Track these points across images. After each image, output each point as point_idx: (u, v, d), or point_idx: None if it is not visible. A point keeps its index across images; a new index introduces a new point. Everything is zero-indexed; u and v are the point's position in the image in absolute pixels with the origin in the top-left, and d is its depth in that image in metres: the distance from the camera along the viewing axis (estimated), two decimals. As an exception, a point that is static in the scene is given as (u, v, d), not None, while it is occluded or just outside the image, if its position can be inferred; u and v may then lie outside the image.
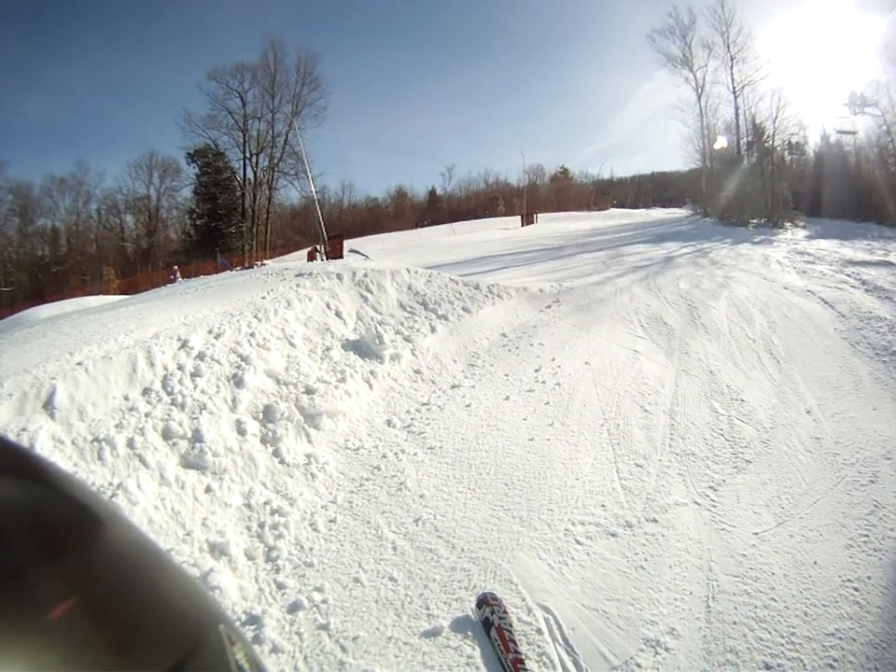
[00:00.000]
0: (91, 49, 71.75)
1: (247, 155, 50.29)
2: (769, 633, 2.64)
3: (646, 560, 3.06)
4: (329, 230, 32.21)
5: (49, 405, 4.32)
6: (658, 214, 37.22)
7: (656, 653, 2.48)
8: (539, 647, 2.60)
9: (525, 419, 4.84)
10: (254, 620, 3.05)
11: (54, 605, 0.30)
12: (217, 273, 16.28)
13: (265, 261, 29.19)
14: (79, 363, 4.90)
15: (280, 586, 3.26)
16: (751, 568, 3.08)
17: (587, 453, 4.23)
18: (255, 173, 50.43)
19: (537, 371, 5.83)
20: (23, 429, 4.04)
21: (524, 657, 2.50)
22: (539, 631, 2.68)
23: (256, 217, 49.76)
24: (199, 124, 49.05)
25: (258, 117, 49.94)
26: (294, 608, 3.09)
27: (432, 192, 77.48)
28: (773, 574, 3.04)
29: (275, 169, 50.55)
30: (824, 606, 2.85)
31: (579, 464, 4.09)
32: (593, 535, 3.32)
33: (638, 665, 2.43)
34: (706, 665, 2.40)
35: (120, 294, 18.76)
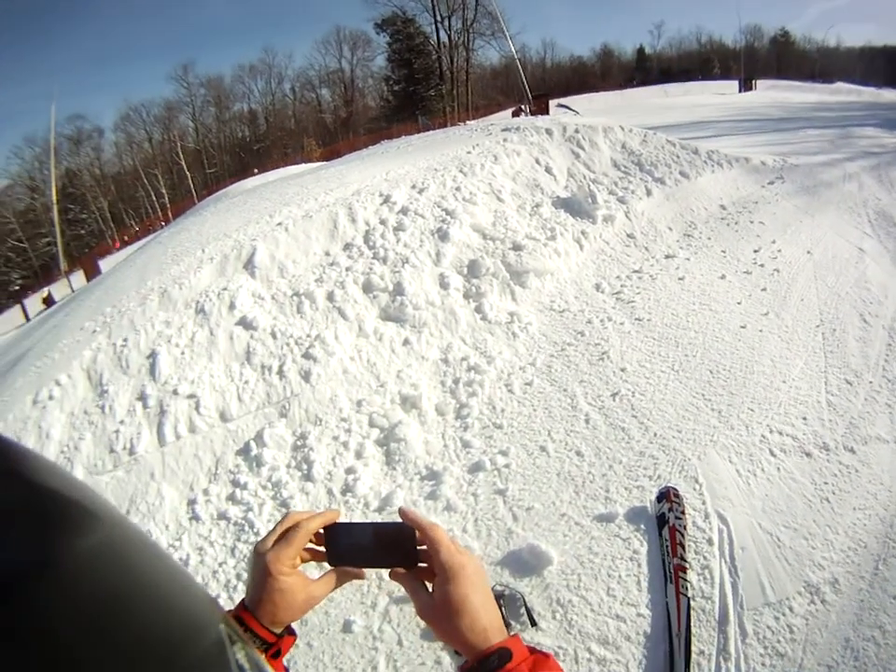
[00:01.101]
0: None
1: (438, 18, 49.76)
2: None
3: (833, 493, 2.77)
4: (533, 89, 31.61)
5: (249, 265, 4.58)
6: (892, 96, 31.47)
7: (812, 602, 2.30)
8: (704, 559, 2.50)
9: (738, 303, 4.49)
10: (433, 475, 3.19)
11: (52, 605, 0.29)
12: (418, 133, 16.34)
13: (467, 122, 28.97)
14: (279, 223, 5.12)
15: (465, 445, 3.36)
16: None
17: (798, 354, 3.85)
18: (448, 35, 49.90)
19: (755, 251, 5.34)
20: (224, 289, 4.34)
21: (687, 566, 2.43)
22: (710, 542, 2.57)
23: (454, 79, 49.64)
24: None
25: (444, -22, 48.65)
26: (475, 468, 3.18)
27: (640, 51, 73.12)
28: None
29: (470, 30, 49.68)
30: None
31: (788, 365, 3.74)
32: (788, 449, 3.05)
33: (790, 609, 2.27)
34: (851, 632, 2.17)
35: (323, 161, 19.52)
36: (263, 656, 0.72)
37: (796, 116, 15.64)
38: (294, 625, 0.80)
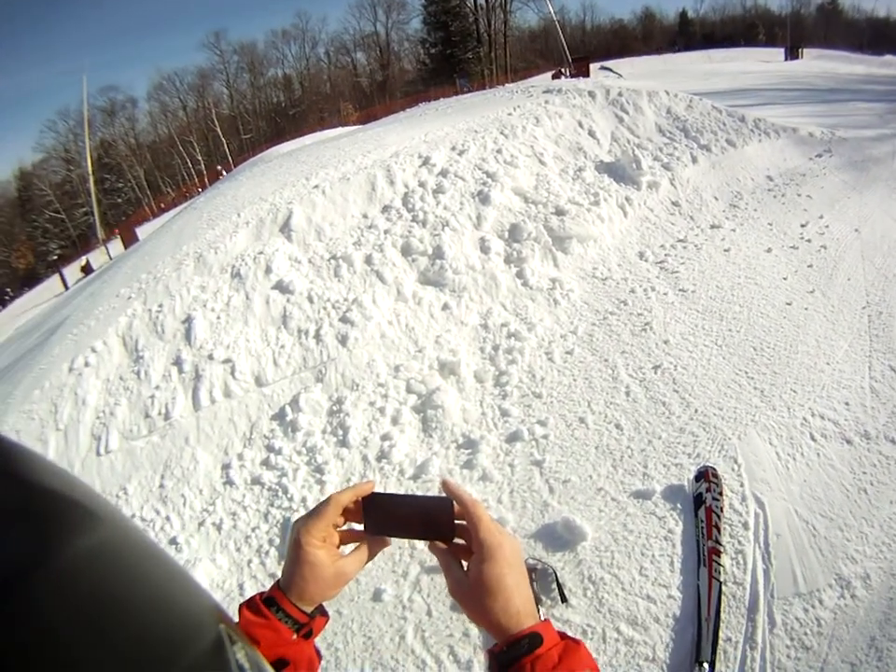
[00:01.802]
0: None
1: (474, -20, 48.65)
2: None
3: (871, 485, 2.66)
4: (573, 52, 31.12)
5: (285, 228, 4.57)
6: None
7: (842, 596, 2.22)
8: (738, 543, 2.45)
9: (784, 278, 4.35)
10: (470, 444, 3.17)
11: (52, 604, 0.29)
12: (456, 96, 16.21)
13: (506, 85, 28.69)
14: (316, 186, 5.09)
15: (504, 413, 3.33)
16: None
17: (843, 336, 3.70)
18: (486, -3, 48.83)
19: (802, 226, 5.15)
20: (260, 253, 4.34)
21: (722, 549, 2.39)
22: (746, 526, 2.51)
23: (493, 41, 48.96)
24: None
25: (479, -61, 47.85)
26: (513, 438, 3.15)
27: (683, 15, 71.40)
28: None
29: (507, -9, 48.55)
30: None
31: (833, 346, 3.61)
32: (829, 434, 2.95)
33: (820, 602, 2.21)
34: (878, 631, 2.10)
35: (359, 125, 19.47)
36: (295, 636, 0.72)
37: (844, 87, 15.13)
38: (325, 605, 0.79)
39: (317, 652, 0.77)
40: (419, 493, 2.76)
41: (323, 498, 0.78)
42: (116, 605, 0.33)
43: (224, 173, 28.27)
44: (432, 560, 2.54)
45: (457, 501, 0.75)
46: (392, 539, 0.81)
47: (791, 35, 41.76)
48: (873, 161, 6.80)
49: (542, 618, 0.71)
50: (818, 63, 27.07)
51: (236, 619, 0.69)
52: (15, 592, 0.27)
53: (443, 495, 0.77)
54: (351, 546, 0.80)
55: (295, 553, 0.74)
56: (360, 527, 0.80)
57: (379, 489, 0.77)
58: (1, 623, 0.27)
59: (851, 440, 2.87)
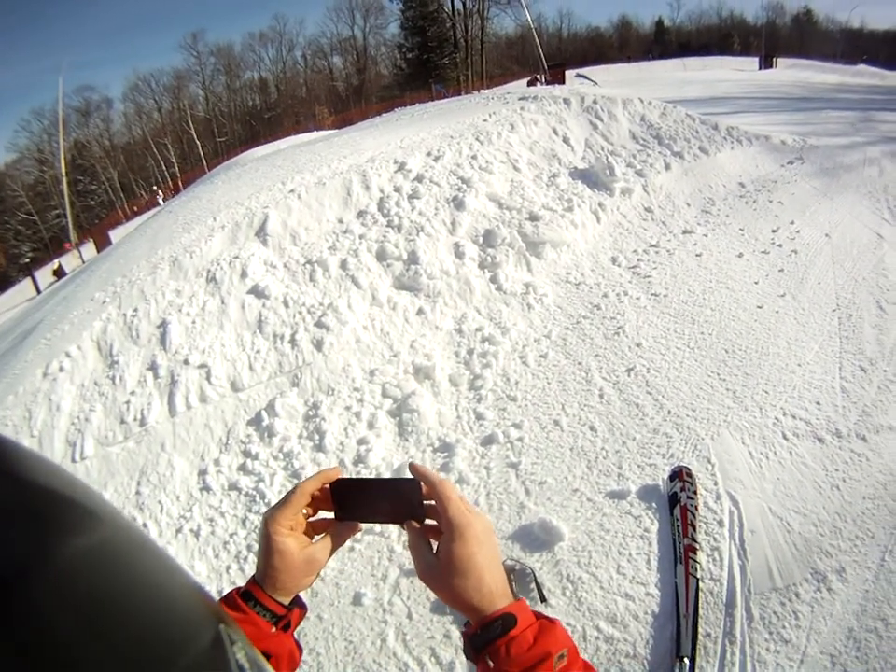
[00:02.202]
0: None
1: (453, -15, 48.94)
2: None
3: (843, 481, 2.74)
4: (549, 59, 31.38)
5: (261, 232, 4.57)
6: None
7: (818, 590, 2.28)
8: (714, 540, 2.49)
9: (756, 282, 4.44)
10: (446, 447, 3.18)
11: (51, 604, 0.28)
12: (432, 101, 16.18)
13: (482, 91, 28.73)
14: (292, 190, 5.09)
15: (479, 417, 3.36)
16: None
17: (814, 338, 3.80)
18: (463, 3, 49.56)
19: (774, 231, 5.27)
20: (235, 257, 4.32)
21: (698, 546, 2.42)
22: (721, 523, 2.55)
23: (469, 47, 49.31)
24: None
25: (456, -57, 48.22)
26: (488, 441, 3.17)
27: (659, 23, 72.67)
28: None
29: (485, -2, 48.89)
30: None
31: (804, 348, 3.69)
32: (801, 433, 3.02)
33: (797, 595, 2.26)
34: (855, 622, 2.16)
35: (335, 129, 19.41)
36: (274, 629, 0.72)
37: (817, 96, 15.43)
38: (304, 599, 0.80)
39: (297, 644, 0.77)
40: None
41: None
42: (115, 604, 0.33)
43: (161, 198, 27.15)
44: (410, 563, 2.55)
45: (425, 481, 0.75)
46: (363, 524, 0.82)
47: (766, 45, 42.45)
48: (844, 169, 6.96)
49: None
50: (791, 72, 27.64)
51: None
52: (14, 591, 0.27)
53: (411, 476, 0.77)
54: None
55: (265, 544, 0.74)
56: (331, 515, 0.80)
57: (351, 476, 0.78)
58: (2, 623, 0.26)
59: (823, 438, 2.94)
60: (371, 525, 0.81)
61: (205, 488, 3.10)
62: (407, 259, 4.35)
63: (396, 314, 4.03)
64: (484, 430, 3.22)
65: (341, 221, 4.76)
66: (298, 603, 0.78)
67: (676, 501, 2.57)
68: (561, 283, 4.49)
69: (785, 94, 16.01)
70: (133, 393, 3.57)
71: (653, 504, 2.64)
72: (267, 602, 0.72)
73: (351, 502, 0.78)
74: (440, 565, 0.71)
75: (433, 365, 3.63)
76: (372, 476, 2.99)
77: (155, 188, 31.46)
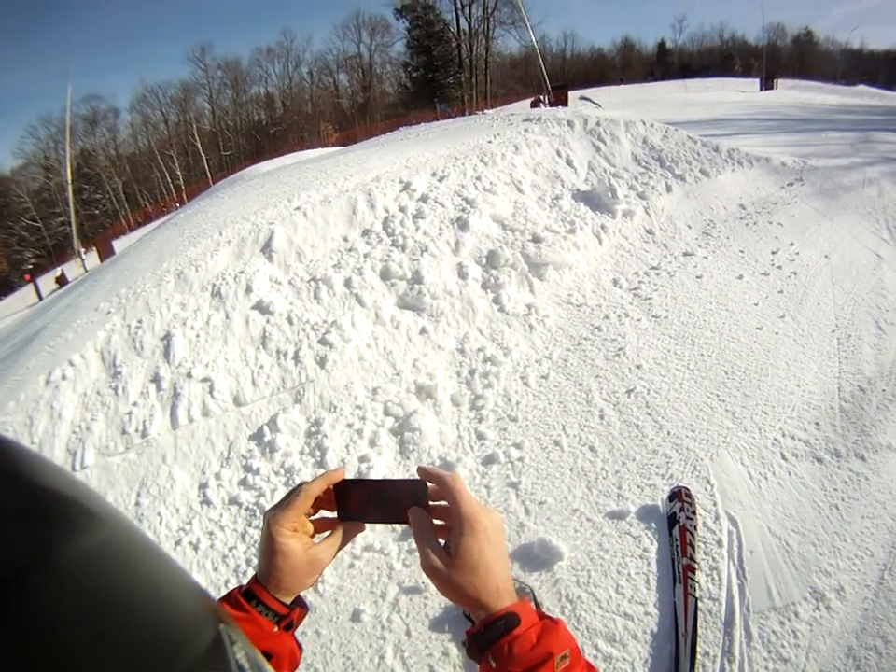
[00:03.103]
0: None
1: (458, 6, 50.15)
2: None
3: (842, 500, 2.75)
4: (553, 80, 31.68)
5: (266, 248, 4.61)
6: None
7: (817, 608, 2.29)
8: (713, 560, 2.50)
9: (755, 304, 4.47)
10: (447, 466, 3.19)
11: (52, 603, 0.29)
12: (437, 121, 16.29)
13: (486, 110, 28.85)
14: (298, 208, 5.13)
15: (480, 436, 3.36)
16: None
17: (813, 359, 3.82)
18: (469, 23, 50.24)
19: (773, 253, 5.31)
20: (241, 272, 4.36)
21: (696, 566, 2.43)
22: (720, 543, 2.56)
23: (474, 67, 49.78)
24: None
25: (464, -35, 48.74)
26: (489, 460, 3.19)
27: (661, 45, 73.43)
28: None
29: (490, 18, 49.76)
30: None
31: (803, 369, 3.71)
32: (800, 454, 3.03)
33: (796, 614, 2.26)
34: (854, 641, 2.16)
35: (340, 146, 19.54)
36: (276, 629, 0.73)
37: (817, 117, 15.51)
38: (306, 602, 0.80)
39: (298, 644, 0.77)
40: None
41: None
42: (117, 604, 0.33)
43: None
44: (410, 580, 2.56)
45: (435, 481, 0.75)
46: (367, 524, 0.83)
47: (767, 66, 42.68)
48: (843, 189, 7.00)
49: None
50: (792, 94, 27.76)
51: None
52: (18, 591, 0.28)
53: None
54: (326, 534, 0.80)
55: (267, 545, 0.75)
56: (334, 515, 0.80)
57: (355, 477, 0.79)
58: (4, 623, 0.27)
59: (822, 458, 2.96)
60: (376, 524, 0.81)
61: (206, 501, 3.10)
62: (411, 279, 4.38)
63: (399, 333, 4.05)
64: (485, 450, 3.23)
65: (346, 240, 4.80)
66: (299, 603, 0.78)
67: (675, 521, 2.58)
68: (563, 304, 4.52)
69: (785, 115, 16.12)
70: (135, 404, 3.58)
71: (652, 524, 2.65)
72: (269, 601, 0.73)
73: (354, 503, 0.78)
74: (448, 558, 0.71)
75: (435, 384, 3.65)
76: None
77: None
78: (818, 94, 27.27)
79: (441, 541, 0.75)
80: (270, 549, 0.74)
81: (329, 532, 0.80)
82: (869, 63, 64.96)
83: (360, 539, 2.75)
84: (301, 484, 0.78)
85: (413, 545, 2.65)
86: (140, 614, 0.35)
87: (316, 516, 0.81)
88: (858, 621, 2.21)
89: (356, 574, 2.63)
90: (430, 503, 0.77)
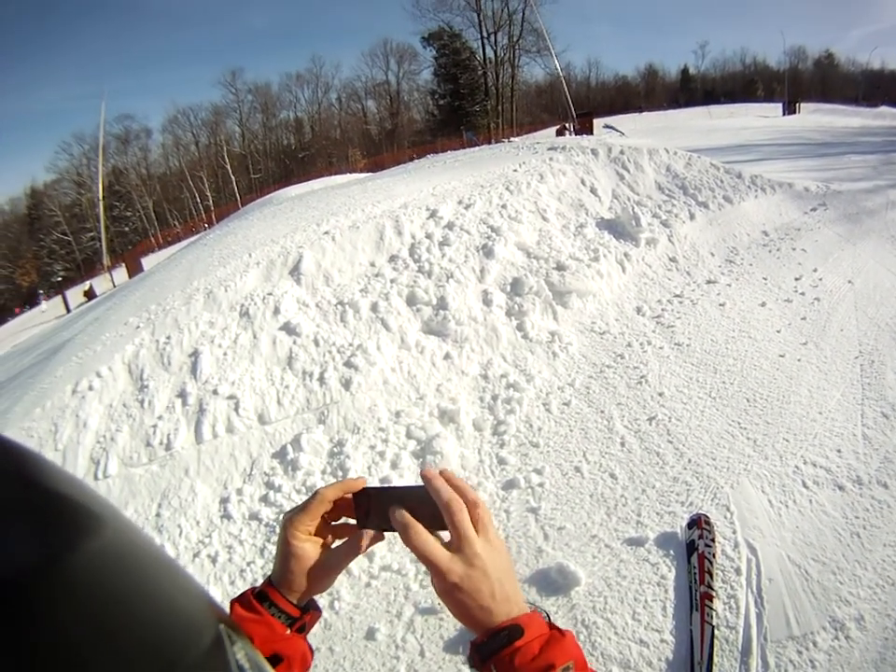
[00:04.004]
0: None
1: (484, 34, 50.36)
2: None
3: (864, 528, 2.72)
4: (577, 107, 31.89)
5: (295, 271, 4.69)
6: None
7: (836, 638, 2.25)
8: (731, 588, 2.48)
9: (778, 331, 4.44)
10: None
11: (58, 604, 0.29)
12: (463, 149, 16.53)
13: (512, 138, 29.02)
14: (326, 232, 5.22)
15: (501, 461, 3.38)
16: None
17: (836, 385, 3.78)
18: (495, 51, 50.47)
19: (797, 279, 5.28)
20: (269, 293, 4.44)
21: (714, 594, 2.42)
22: (738, 571, 2.54)
23: (500, 95, 50.10)
24: (428, 8, 50.44)
25: (489, -6, 49.21)
26: (510, 485, 3.20)
27: (685, 71, 73.52)
28: None
29: (516, 47, 50.21)
30: None
31: (825, 396, 3.68)
32: (821, 482, 3.01)
33: (814, 644, 2.23)
34: (873, 670, 2.14)
35: (367, 172, 19.77)
36: (289, 631, 0.73)
37: (840, 140, 15.49)
38: (317, 628, 0.79)
39: (310, 648, 0.77)
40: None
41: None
42: (121, 606, 0.34)
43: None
44: (427, 601, 2.57)
45: (435, 498, 0.71)
46: (387, 533, 0.80)
47: (789, 90, 42.54)
48: (866, 213, 6.95)
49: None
50: (814, 117, 27.65)
51: None
52: (28, 592, 0.28)
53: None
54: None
55: (282, 548, 0.75)
56: (354, 522, 0.79)
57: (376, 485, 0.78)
58: (14, 624, 0.27)
59: (843, 486, 2.93)
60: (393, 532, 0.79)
61: (226, 516, 3.15)
62: (436, 305, 4.44)
63: (423, 357, 4.10)
64: (506, 475, 3.24)
65: (373, 265, 4.88)
66: (312, 606, 0.78)
67: (693, 549, 2.57)
68: (586, 332, 4.54)
69: (808, 140, 16.08)
70: (160, 418, 3.66)
71: (671, 551, 2.64)
72: (282, 604, 0.73)
73: (373, 511, 0.77)
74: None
75: (458, 409, 3.68)
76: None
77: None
78: (840, 117, 27.11)
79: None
80: (284, 551, 0.75)
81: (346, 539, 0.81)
82: (890, 83, 64.67)
83: (378, 559, 2.78)
84: (318, 490, 0.77)
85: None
86: (143, 615, 0.35)
87: (338, 522, 0.81)
88: (878, 651, 2.18)
89: (372, 593, 2.65)
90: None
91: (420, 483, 0.72)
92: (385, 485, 0.99)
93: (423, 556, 0.69)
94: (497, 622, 0.66)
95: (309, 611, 0.76)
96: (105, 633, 0.31)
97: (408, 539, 0.69)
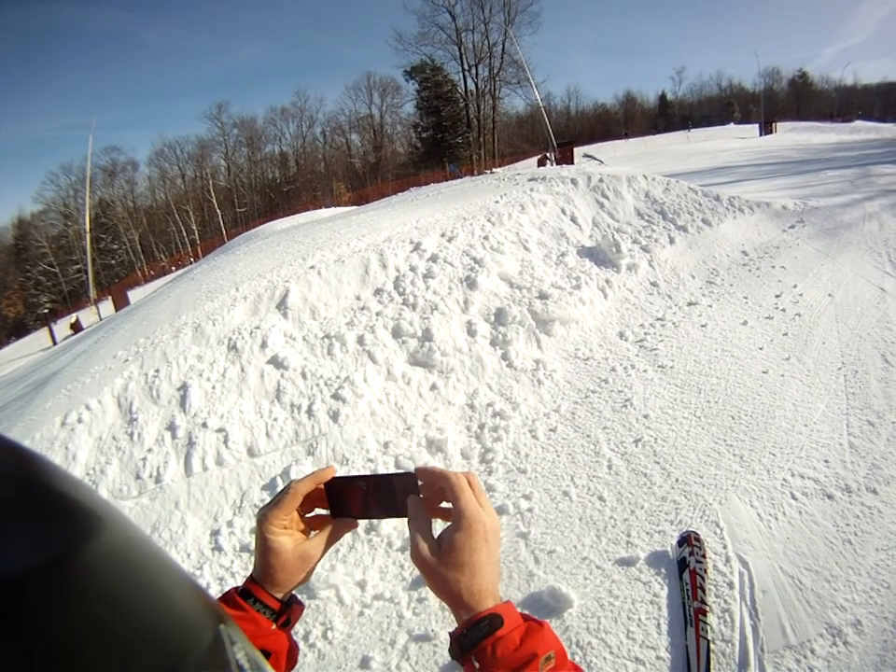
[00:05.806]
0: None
1: (465, 67, 51.35)
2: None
3: (855, 535, 2.75)
4: (558, 137, 32.35)
5: (282, 305, 4.75)
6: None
7: (833, 644, 2.27)
8: (725, 602, 2.48)
9: (760, 348, 4.51)
10: None
11: (60, 604, 0.29)
12: (446, 181, 16.73)
13: (494, 169, 29.31)
14: (312, 266, 5.28)
15: (489, 488, 3.39)
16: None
17: (820, 398, 3.84)
18: (476, 84, 51.41)
19: (777, 296, 5.39)
20: (257, 327, 4.48)
21: (707, 609, 2.42)
22: (731, 585, 2.55)
23: (482, 126, 50.85)
24: (411, 42, 51.83)
25: (470, 28, 51.32)
26: (499, 511, 3.18)
27: (662, 97, 75.47)
28: None
29: (496, 78, 51.16)
30: None
31: (810, 409, 3.73)
32: (810, 492, 3.04)
33: (812, 651, 2.24)
34: None
35: (352, 206, 19.91)
36: (274, 626, 0.75)
37: (816, 157, 15.84)
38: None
39: (295, 644, 0.78)
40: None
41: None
42: (121, 606, 0.34)
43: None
44: (420, 628, 2.56)
45: (438, 481, 0.74)
46: (361, 521, 0.83)
47: (765, 111, 43.41)
48: (844, 227, 7.12)
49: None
50: (790, 136, 28.40)
51: None
52: (29, 592, 0.28)
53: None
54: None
55: (260, 544, 0.76)
56: (327, 512, 0.82)
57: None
58: (15, 624, 0.27)
59: (833, 495, 2.96)
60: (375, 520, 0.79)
61: (217, 548, 3.13)
62: (421, 336, 4.48)
63: (410, 388, 4.13)
64: (495, 501, 3.24)
65: (358, 298, 4.93)
66: (295, 601, 0.80)
67: (685, 566, 2.58)
68: (570, 359, 4.58)
69: (785, 158, 16.40)
70: (150, 450, 3.65)
71: (662, 570, 2.65)
72: (266, 599, 0.74)
73: (346, 500, 0.80)
74: (441, 552, 0.71)
75: (445, 438, 3.71)
76: (368, 473, 3.18)
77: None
78: (816, 134, 27.75)
79: (436, 531, 0.75)
80: (262, 547, 0.76)
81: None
82: (863, 97, 66.36)
83: (370, 588, 2.77)
84: (290, 483, 0.79)
85: (424, 594, 2.69)
86: (143, 615, 0.35)
87: (311, 514, 0.83)
88: (877, 653, 2.20)
89: (365, 622, 2.64)
90: (443, 504, 0.78)
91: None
92: (355, 475, 1.02)
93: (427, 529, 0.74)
94: (475, 610, 0.68)
95: (292, 606, 0.79)
96: (106, 633, 0.32)
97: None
